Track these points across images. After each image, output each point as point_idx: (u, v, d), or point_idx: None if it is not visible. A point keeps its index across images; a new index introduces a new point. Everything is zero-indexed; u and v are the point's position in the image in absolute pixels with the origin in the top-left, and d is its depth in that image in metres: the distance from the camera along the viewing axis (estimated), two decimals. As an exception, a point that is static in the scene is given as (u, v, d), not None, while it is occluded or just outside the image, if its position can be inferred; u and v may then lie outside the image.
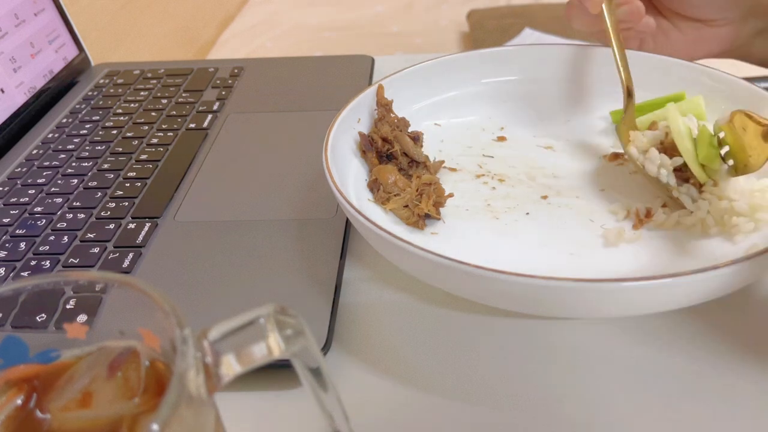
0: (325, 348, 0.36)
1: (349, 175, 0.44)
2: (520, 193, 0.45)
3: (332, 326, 0.37)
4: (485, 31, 0.95)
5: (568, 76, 0.53)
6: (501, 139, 0.50)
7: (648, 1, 0.52)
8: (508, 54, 0.53)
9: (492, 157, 0.49)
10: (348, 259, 0.43)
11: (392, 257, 0.37)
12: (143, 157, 0.54)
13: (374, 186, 0.44)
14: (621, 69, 0.47)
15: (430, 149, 0.49)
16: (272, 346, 0.23)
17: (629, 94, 0.47)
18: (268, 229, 0.44)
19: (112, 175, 0.52)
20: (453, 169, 0.47)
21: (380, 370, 0.36)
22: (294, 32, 1.07)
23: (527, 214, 0.43)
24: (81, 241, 0.44)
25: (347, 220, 0.44)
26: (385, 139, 0.45)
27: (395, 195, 0.43)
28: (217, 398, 0.23)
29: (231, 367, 0.22)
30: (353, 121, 0.46)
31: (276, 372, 0.35)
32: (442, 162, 0.47)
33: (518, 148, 0.49)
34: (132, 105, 0.62)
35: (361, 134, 0.46)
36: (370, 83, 0.64)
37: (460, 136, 0.51)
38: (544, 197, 0.44)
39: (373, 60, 0.67)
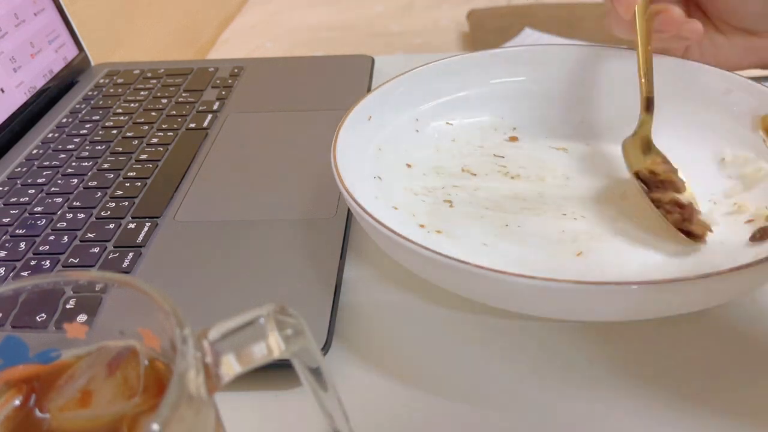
0: (325, 348, 0.36)
1: (355, 175, 0.44)
2: (529, 193, 0.45)
3: (332, 326, 0.37)
4: (485, 31, 0.94)
5: (582, 77, 0.52)
6: (513, 139, 0.50)
7: (697, 8, 0.50)
8: (519, 54, 0.52)
9: (503, 157, 0.48)
10: (348, 259, 0.43)
11: (399, 257, 0.36)
12: (143, 157, 0.54)
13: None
14: (642, 77, 0.45)
15: (440, 149, 0.49)
16: (272, 346, 0.22)
17: (648, 106, 0.45)
18: (268, 229, 0.44)
19: (112, 175, 0.52)
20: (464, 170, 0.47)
21: (380, 370, 0.36)
22: (294, 32, 1.07)
23: (535, 214, 0.43)
24: (81, 241, 0.44)
25: (347, 220, 0.44)
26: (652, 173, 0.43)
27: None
28: (217, 398, 0.23)
29: (231, 367, 0.22)
30: (363, 119, 0.46)
31: (276, 372, 0.35)
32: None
33: (529, 148, 0.49)
34: (132, 105, 0.62)
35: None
36: (370, 83, 0.64)
37: (471, 135, 0.50)
38: (554, 198, 0.44)
39: (373, 60, 0.67)
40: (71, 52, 0.69)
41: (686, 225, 0.39)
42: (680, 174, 0.43)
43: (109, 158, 0.54)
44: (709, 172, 0.45)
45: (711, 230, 0.40)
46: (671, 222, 0.39)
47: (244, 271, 0.41)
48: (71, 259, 0.43)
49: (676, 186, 0.42)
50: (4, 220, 0.47)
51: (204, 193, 0.49)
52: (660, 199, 0.41)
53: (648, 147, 0.44)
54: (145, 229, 0.45)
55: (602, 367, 0.35)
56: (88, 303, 0.35)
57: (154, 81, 0.67)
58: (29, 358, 0.24)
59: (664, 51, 0.48)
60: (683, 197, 0.41)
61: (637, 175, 0.43)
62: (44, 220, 0.47)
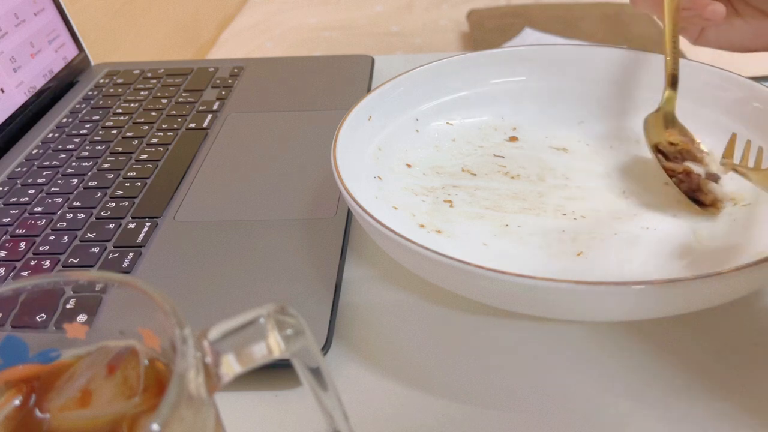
0: (325, 348, 0.36)
1: (355, 175, 0.44)
2: (529, 193, 0.45)
3: (332, 326, 0.37)
4: (485, 31, 0.95)
5: (582, 77, 0.52)
6: (513, 139, 0.50)
7: None
8: (519, 54, 0.52)
9: (503, 157, 0.48)
10: (348, 259, 0.43)
11: (399, 257, 0.36)
12: (143, 157, 0.54)
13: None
14: (668, 54, 0.46)
15: (440, 149, 0.49)
16: (272, 346, 0.22)
17: (673, 82, 0.46)
18: (268, 229, 0.44)
19: (112, 175, 0.52)
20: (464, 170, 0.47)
21: (380, 370, 0.36)
22: (294, 32, 1.07)
23: (535, 214, 0.43)
24: (81, 241, 0.44)
25: (347, 220, 0.44)
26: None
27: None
28: (217, 398, 0.23)
29: (231, 367, 0.22)
30: (363, 119, 0.46)
31: (276, 372, 0.35)
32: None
33: (529, 148, 0.49)
34: (132, 105, 0.62)
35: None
36: (370, 83, 0.64)
37: (471, 135, 0.50)
38: (554, 198, 0.44)
39: (373, 60, 0.67)
40: (71, 52, 0.69)
41: (696, 194, 0.41)
42: (701, 146, 0.45)
43: (109, 158, 0.54)
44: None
45: (721, 201, 0.41)
46: (682, 191, 0.42)
47: (244, 271, 0.41)
48: (71, 259, 0.43)
49: (694, 156, 0.43)
50: (4, 220, 0.47)
51: (204, 193, 0.49)
52: (674, 169, 0.43)
53: (671, 122, 0.46)
54: (145, 229, 0.45)
55: (603, 367, 0.35)
56: (88, 303, 0.35)
57: (154, 81, 0.67)
58: (29, 358, 0.24)
59: (681, 30, 0.48)
60: (699, 167, 0.43)
61: (657, 148, 0.44)
62: (44, 220, 0.47)
